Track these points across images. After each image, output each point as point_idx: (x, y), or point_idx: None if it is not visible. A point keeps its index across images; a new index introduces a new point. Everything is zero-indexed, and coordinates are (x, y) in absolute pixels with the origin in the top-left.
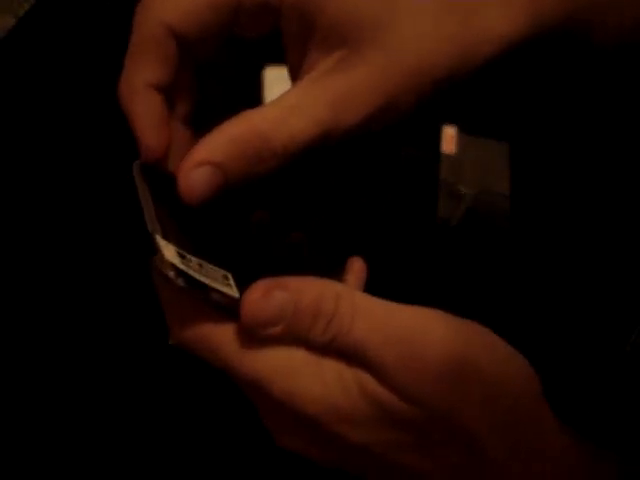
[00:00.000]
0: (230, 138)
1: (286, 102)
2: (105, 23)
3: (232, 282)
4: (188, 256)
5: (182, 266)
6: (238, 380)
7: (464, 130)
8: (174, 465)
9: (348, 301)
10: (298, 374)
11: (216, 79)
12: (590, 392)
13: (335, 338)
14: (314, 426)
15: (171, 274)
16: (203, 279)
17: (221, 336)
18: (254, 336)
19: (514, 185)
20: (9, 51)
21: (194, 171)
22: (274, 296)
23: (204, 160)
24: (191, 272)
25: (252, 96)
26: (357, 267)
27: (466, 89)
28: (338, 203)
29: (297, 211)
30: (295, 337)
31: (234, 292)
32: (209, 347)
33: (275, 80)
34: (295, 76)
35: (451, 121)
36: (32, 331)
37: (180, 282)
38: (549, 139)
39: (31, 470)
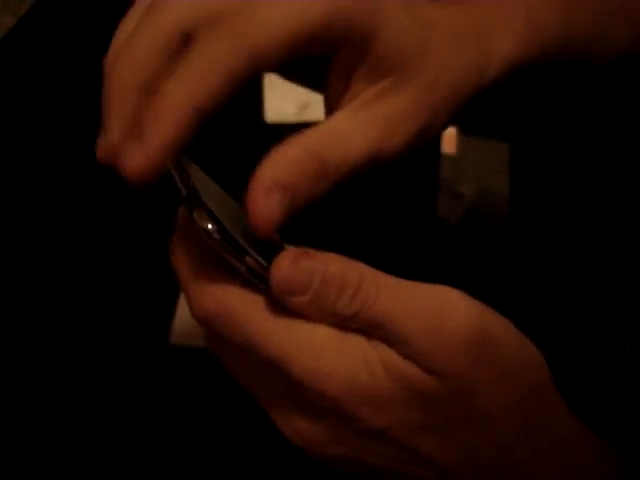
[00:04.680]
0: (290, 160)
1: (337, 124)
2: (104, 22)
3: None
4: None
5: (219, 221)
6: (256, 356)
7: (464, 130)
8: (174, 465)
9: (372, 275)
10: (322, 351)
11: None
12: (590, 392)
13: (361, 310)
14: (332, 408)
15: (209, 226)
16: (238, 237)
17: (247, 309)
18: (281, 310)
19: (514, 185)
20: (9, 50)
21: (266, 199)
22: (304, 263)
23: (273, 183)
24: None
25: (252, 95)
26: None
27: None
28: (339, 204)
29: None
30: (322, 309)
31: (263, 261)
32: (233, 320)
33: (274, 80)
34: (332, 102)
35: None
36: (32, 331)
37: (216, 235)
38: (549, 139)
39: (31, 470)
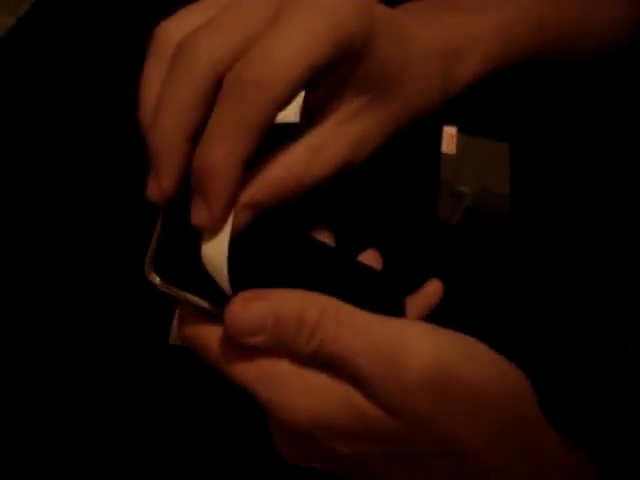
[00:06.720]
0: (270, 182)
1: (314, 142)
2: (104, 22)
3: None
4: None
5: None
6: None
7: (464, 130)
8: (174, 464)
9: (332, 312)
10: (282, 384)
11: None
12: (591, 393)
13: (320, 348)
14: (304, 435)
15: (157, 280)
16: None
17: (212, 340)
18: (239, 344)
19: (514, 185)
20: (9, 50)
21: (241, 213)
22: (253, 306)
23: (249, 204)
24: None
25: None
26: (432, 290)
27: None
28: (339, 203)
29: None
30: (280, 347)
31: (227, 292)
32: (205, 349)
33: None
34: (313, 108)
35: (451, 121)
36: (33, 330)
37: (163, 288)
38: (549, 139)
39: (31, 470)
